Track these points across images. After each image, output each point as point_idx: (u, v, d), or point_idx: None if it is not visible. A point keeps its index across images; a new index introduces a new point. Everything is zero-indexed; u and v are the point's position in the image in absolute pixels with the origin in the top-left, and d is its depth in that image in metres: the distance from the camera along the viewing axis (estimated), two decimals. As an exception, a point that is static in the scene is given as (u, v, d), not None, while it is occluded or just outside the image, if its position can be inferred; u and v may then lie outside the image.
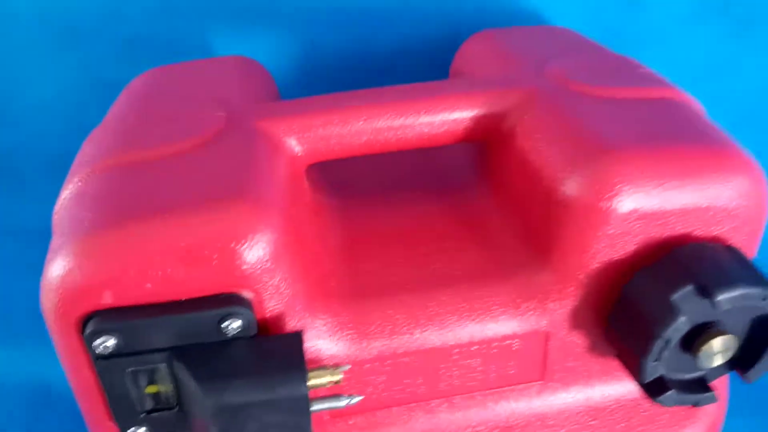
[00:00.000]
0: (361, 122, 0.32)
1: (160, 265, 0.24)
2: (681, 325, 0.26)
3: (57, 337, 0.26)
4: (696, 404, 0.29)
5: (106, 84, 0.54)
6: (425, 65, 0.49)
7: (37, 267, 0.68)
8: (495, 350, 0.30)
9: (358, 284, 0.30)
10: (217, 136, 0.30)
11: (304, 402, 0.24)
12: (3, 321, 0.71)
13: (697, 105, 0.32)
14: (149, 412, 0.27)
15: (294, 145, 0.31)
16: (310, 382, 0.24)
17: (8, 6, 0.51)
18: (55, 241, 0.27)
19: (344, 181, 0.36)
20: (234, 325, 0.25)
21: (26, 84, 0.55)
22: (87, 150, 0.32)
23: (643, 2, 0.48)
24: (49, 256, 0.26)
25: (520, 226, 0.31)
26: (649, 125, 0.29)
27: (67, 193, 0.29)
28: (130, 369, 0.25)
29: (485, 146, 0.34)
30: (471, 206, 0.34)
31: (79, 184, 0.29)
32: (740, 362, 0.29)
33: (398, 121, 0.32)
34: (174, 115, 0.32)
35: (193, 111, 0.32)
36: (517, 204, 0.32)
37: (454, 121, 0.32)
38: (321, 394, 0.26)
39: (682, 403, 0.28)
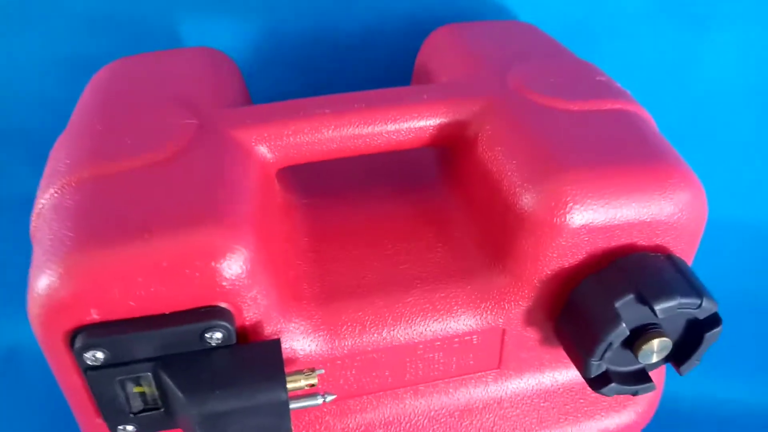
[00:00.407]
0: (330, 130, 0.33)
1: (143, 284, 0.26)
2: (622, 330, 0.29)
3: (46, 347, 0.27)
4: (635, 394, 0.32)
5: (66, 60, 0.54)
6: (391, 54, 0.50)
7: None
8: (456, 345, 0.33)
9: (328, 286, 0.32)
10: (190, 144, 0.31)
11: (285, 406, 0.27)
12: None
13: (647, 116, 0.34)
14: (136, 413, 0.29)
15: (265, 152, 0.33)
16: (289, 386, 0.27)
17: None
18: (38, 256, 0.28)
19: (314, 179, 0.38)
20: (216, 336, 0.27)
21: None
22: (59, 156, 0.33)
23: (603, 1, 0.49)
24: (33, 271, 0.27)
25: (480, 231, 0.34)
26: (600, 142, 0.31)
27: (43, 202, 0.30)
28: (118, 378, 0.27)
29: (450, 151, 0.36)
30: (436, 207, 0.36)
31: (56, 195, 0.30)
32: (675, 357, 0.32)
33: (366, 129, 0.33)
34: (145, 121, 0.33)
35: (164, 117, 0.33)
36: (479, 210, 0.34)
37: (420, 128, 0.34)
38: (298, 394, 0.29)
39: (622, 392, 0.31)
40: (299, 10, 0.50)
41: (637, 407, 0.37)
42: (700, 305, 0.29)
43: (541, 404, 0.35)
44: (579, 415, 0.36)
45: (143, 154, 0.31)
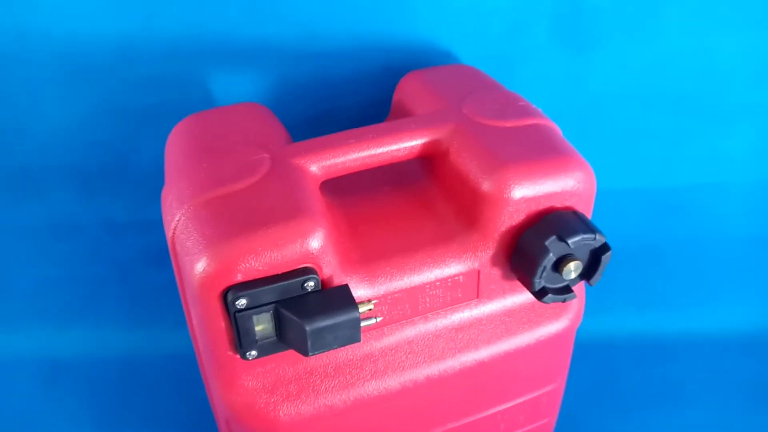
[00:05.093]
0: (355, 153, 0.50)
1: (267, 257, 0.43)
2: (550, 258, 0.47)
3: (203, 304, 0.44)
4: (564, 300, 0.50)
5: (114, 112, 0.70)
6: (370, 94, 0.68)
7: (41, 258, 0.86)
8: (449, 283, 0.51)
9: (365, 253, 0.49)
10: (270, 171, 0.48)
11: (357, 322, 0.44)
12: (16, 304, 0.84)
13: (554, 126, 0.53)
14: (258, 341, 0.45)
15: (316, 170, 0.50)
16: (359, 310, 0.44)
17: (35, 49, 0.65)
18: (190, 252, 0.44)
19: (340, 188, 0.55)
20: (310, 284, 0.44)
21: (47, 110, 0.70)
22: (171, 198, 0.48)
23: (517, 37, 0.69)
24: (190, 261, 0.44)
25: (457, 209, 0.51)
26: (526, 145, 0.50)
27: (176, 222, 0.46)
28: (253, 316, 0.44)
29: (431, 160, 0.54)
30: (425, 197, 0.54)
31: (186, 215, 0.46)
32: (586, 276, 0.50)
33: (378, 150, 0.51)
34: (234, 159, 0.50)
35: (246, 154, 0.50)
36: (454, 195, 0.52)
37: (412, 146, 0.52)
38: (362, 317, 0.46)
39: (556, 300, 0.50)
40: (299, 68, 0.67)
41: (569, 315, 0.55)
42: (595, 238, 0.48)
43: (507, 319, 0.54)
44: (532, 324, 0.54)
45: (241, 180, 0.47)
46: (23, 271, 0.83)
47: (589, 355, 0.86)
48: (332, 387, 0.49)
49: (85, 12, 0.63)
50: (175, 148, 0.54)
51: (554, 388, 0.60)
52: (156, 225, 0.79)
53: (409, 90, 0.61)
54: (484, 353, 0.53)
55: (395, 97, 0.62)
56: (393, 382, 0.51)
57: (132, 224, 0.79)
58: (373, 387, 0.50)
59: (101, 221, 0.79)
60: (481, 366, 0.53)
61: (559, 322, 0.55)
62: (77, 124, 0.71)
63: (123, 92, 0.69)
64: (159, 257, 0.82)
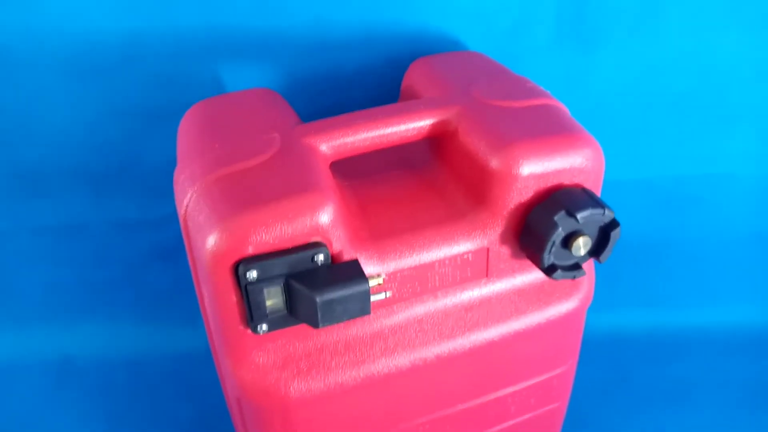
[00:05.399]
0: (366, 133, 0.51)
1: (278, 231, 0.43)
2: (559, 233, 0.47)
3: (215, 277, 0.44)
4: (574, 278, 0.50)
5: (122, 110, 0.71)
6: (379, 80, 0.69)
7: (50, 257, 0.87)
8: (459, 261, 0.51)
9: (375, 231, 0.50)
10: (281, 149, 0.49)
11: (367, 294, 0.44)
12: (26, 303, 0.85)
13: (563, 106, 0.54)
14: (269, 315, 0.46)
15: (326, 150, 0.50)
16: (369, 283, 0.45)
17: (43, 48, 0.66)
18: (202, 226, 0.45)
19: (350, 170, 0.56)
20: (320, 258, 0.45)
21: (55, 110, 0.71)
22: (184, 177, 0.49)
23: (523, 32, 0.69)
24: (202, 235, 0.44)
25: (465, 187, 0.52)
26: (535, 123, 0.50)
27: (188, 200, 0.47)
28: (264, 288, 0.44)
29: (440, 140, 0.55)
30: (433, 178, 0.54)
31: (198, 192, 0.47)
32: (595, 253, 0.51)
33: (388, 130, 0.51)
34: (245, 139, 0.50)
35: (257, 134, 0.51)
36: (462, 174, 0.52)
37: (421, 127, 0.52)
38: (372, 291, 0.46)
39: (566, 277, 0.50)
40: (307, 61, 0.68)
41: (579, 295, 0.55)
42: (603, 213, 0.48)
43: (516, 298, 0.54)
44: (542, 303, 0.54)
45: (252, 159, 0.48)
46: (33, 271, 0.84)
47: (597, 351, 0.86)
48: (342, 364, 0.49)
49: (93, 9, 0.64)
50: (187, 130, 0.55)
51: (565, 370, 0.60)
52: (165, 223, 0.80)
53: (417, 75, 0.61)
54: (493, 332, 0.53)
55: (404, 83, 0.63)
56: (403, 360, 0.51)
57: (142, 223, 0.80)
58: (383, 365, 0.50)
59: (111, 220, 0.80)
60: (491, 346, 0.53)
61: (569, 302, 0.55)
62: (86, 124, 0.71)
63: (131, 90, 0.69)
64: (169, 256, 0.83)
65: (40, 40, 0.66)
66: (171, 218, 0.73)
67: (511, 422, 0.61)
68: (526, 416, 0.61)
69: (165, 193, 0.70)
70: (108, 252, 0.83)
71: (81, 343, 0.88)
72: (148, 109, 0.71)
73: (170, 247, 0.82)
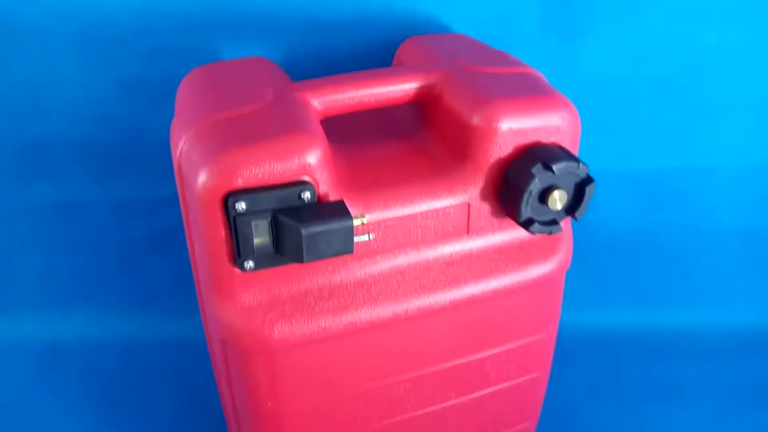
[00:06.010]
0: (354, 91, 0.54)
1: (267, 166, 0.46)
2: (536, 183, 0.50)
3: (205, 211, 0.46)
4: (551, 233, 0.53)
5: (126, 84, 0.73)
6: (371, 62, 0.72)
7: (45, 240, 0.88)
8: (440, 215, 0.53)
9: (362, 184, 0.52)
10: (273, 100, 0.52)
11: (350, 231, 0.46)
12: (19, 287, 0.86)
13: (541, 75, 0.57)
14: (255, 251, 0.48)
15: (317, 104, 0.53)
16: (354, 221, 0.47)
17: (52, 24, 0.69)
18: (196, 164, 0.47)
19: (339, 133, 0.58)
20: (306, 195, 0.47)
21: (61, 84, 0.73)
22: (180, 124, 0.51)
23: (508, 22, 0.73)
24: (195, 171, 0.46)
25: (449, 147, 0.54)
26: (515, 86, 0.53)
27: (182, 143, 0.49)
28: (252, 221, 0.46)
29: (426, 105, 0.57)
30: (418, 140, 0.57)
31: (193, 136, 0.49)
32: (571, 210, 0.53)
33: (376, 90, 0.54)
34: (239, 93, 0.53)
35: (249, 89, 0.53)
36: (446, 135, 0.55)
37: (407, 89, 0.55)
38: (355, 232, 0.48)
39: (543, 231, 0.52)
40: (310, 34, 0.71)
41: (557, 257, 0.57)
42: (578, 167, 0.50)
43: (496, 257, 0.56)
44: (521, 263, 0.56)
45: (244, 107, 0.50)
46: (28, 253, 0.85)
47: (587, 350, 0.87)
48: (326, 309, 0.51)
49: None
50: (185, 89, 0.57)
51: (544, 338, 0.62)
52: (164, 206, 0.81)
53: (408, 52, 0.64)
54: (473, 289, 0.55)
55: (396, 59, 0.66)
56: (385, 310, 0.53)
57: (140, 203, 0.82)
58: (365, 313, 0.52)
59: (110, 199, 0.81)
60: (471, 302, 0.55)
61: (548, 264, 0.57)
62: (90, 97, 0.74)
63: (134, 65, 0.72)
64: (164, 245, 0.85)
65: (47, 15, 0.69)
66: (169, 201, 0.75)
67: (491, 389, 0.62)
68: (506, 384, 0.62)
69: (166, 174, 0.72)
70: (104, 237, 0.84)
71: (72, 328, 0.89)
72: (150, 84, 0.73)
73: (166, 233, 0.84)
